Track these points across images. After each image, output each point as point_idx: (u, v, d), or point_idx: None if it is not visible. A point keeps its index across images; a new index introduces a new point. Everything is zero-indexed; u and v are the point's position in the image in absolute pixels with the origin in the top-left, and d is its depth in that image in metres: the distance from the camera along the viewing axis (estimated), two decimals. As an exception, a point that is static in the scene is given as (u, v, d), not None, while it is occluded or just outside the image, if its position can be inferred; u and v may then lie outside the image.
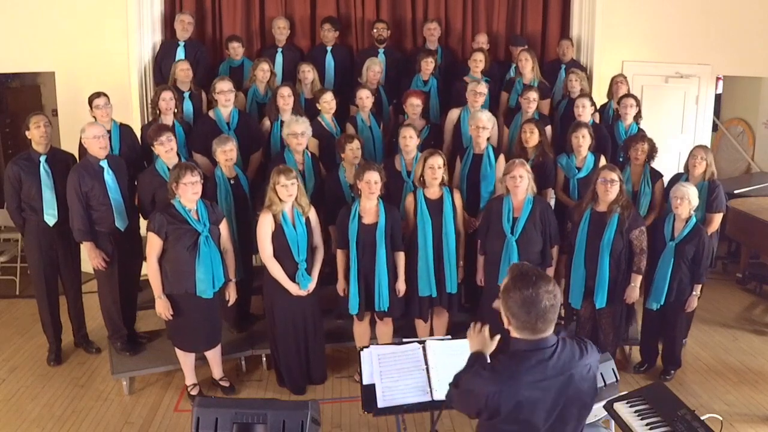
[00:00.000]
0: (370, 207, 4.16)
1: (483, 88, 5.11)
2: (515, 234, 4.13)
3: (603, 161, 4.78)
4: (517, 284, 2.00)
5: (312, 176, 4.72)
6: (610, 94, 5.68)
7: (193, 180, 3.89)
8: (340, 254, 4.27)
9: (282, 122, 4.95)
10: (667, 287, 4.27)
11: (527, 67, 5.59)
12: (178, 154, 4.47)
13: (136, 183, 4.55)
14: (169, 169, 4.22)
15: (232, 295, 4.24)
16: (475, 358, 2.29)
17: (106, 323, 4.65)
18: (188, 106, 5.31)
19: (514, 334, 2.05)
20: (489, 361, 2.23)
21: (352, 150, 4.55)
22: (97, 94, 4.72)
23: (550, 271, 4.29)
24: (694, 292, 4.33)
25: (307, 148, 4.75)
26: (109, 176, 4.34)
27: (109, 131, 4.57)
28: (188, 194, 3.89)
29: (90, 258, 4.39)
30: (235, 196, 4.55)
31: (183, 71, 5.35)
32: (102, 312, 4.64)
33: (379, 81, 5.64)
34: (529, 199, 4.16)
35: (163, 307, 3.98)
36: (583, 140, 4.74)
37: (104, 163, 4.34)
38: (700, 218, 4.57)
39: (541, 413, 2.02)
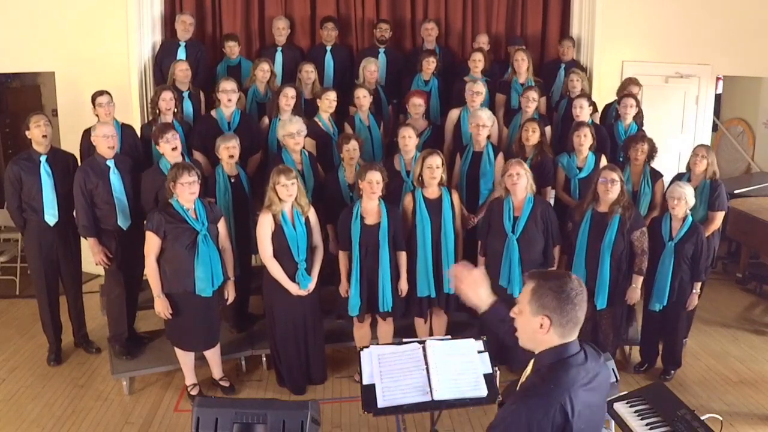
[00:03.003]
0: (371, 207, 4.16)
1: (480, 87, 5.12)
2: (516, 233, 4.13)
3: (604, 161, 4.79)
4: (546, 277, 1.86)
5: (311, 176, 4.71)
6: (620, 94, 5.65)
7: (190, 180, 3.89)
8: (342, 256, 4.27)
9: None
10: (668, 287, 4.27)
11: (523, 66, 5.58)
12: (181, 154, 4.48)
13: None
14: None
15: (231, 294, 4.24)
16: None
17: (109, 322, 4.65)
18: (188, 106, 5.31)
19: (549, 338, 1.86)
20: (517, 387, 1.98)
21: (349, 150, 4.55)
22: (100, 93, 4.74)
23: None
24: (694, 291, 4.33)
25: (304, 147, 4.75)
26: (114, 176, 4.36)
27: (112, 129, 4.59)
28: (185, 194, 3.90)
29: (93, 254, 4.42)
30: (235, 195, 4.55)
31: (182, 71, 5.35)
32: (107, 311, 4.64)
33: (377, 80, 5.64)
34: (530, 198, 4.16)
35: (162, 306, 3.98)
36: (584, 140, 4.74)
37: (111, 163, 4.36)
38: (701, 217, 4.58)
39: (598, 418, 1.93)
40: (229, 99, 4.91)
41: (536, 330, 1.85)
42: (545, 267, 4.22)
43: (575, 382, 1.81)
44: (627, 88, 5.57)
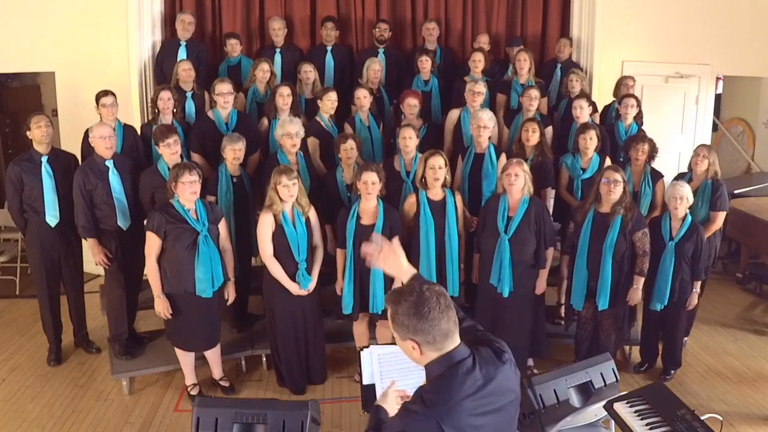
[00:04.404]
0: (369, 208, 4.16)
1: (481, 87, 5.11)
2: (509, 233, 4.12)
3: (608, 162, 4.78)
4: (398, 300, 1.83)
5: (306, 177, 4.69)
6: (617, 93, 5.67)
7: (192, 180, 3.89)
8: (339, 254, 4.27)
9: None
10: (669, 287, 4.27)
11: (525, 67, 5.58)
12: (180, 155, 4.48)
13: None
14: (170, 169, 4.22)
15: (231, 294, 4.25)
16: (377, 411, 2.13)
17: (109, 322, 4.65)
18: (191, 106, 5.31)
19: (427, 355, 1.85)
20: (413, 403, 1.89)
21: (346, 150, 4.55)
22: (105, 93, 4.74)
23: (544, 273, 4.28)
24: (694, 290, 4.33)
25: (302, 148, 4.74)
26: (113, 176, 4.36)
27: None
28: (186, 194, 3.90)
29: (93, 254, 4.42)
30: (237, 195, 4.55)
31: (185, 71, 5.35)
32: (107, 311, 4.63)
33: (379, 80, 5.64)
34: (525, 199, 4.15)
35: (162, 307, 3.98)
36: (590, 142, 4.73)
37: (110, 163, 4.37)
38: (703, 217, 4.58)
39: (503, 422, 1.91)
40: (225, 101, 4.90)
41: (411, 352, 1.86)
42: (536, 268, 4.22)
43: (457, 394, 1.78)
44: (622, 85, 5.58)
